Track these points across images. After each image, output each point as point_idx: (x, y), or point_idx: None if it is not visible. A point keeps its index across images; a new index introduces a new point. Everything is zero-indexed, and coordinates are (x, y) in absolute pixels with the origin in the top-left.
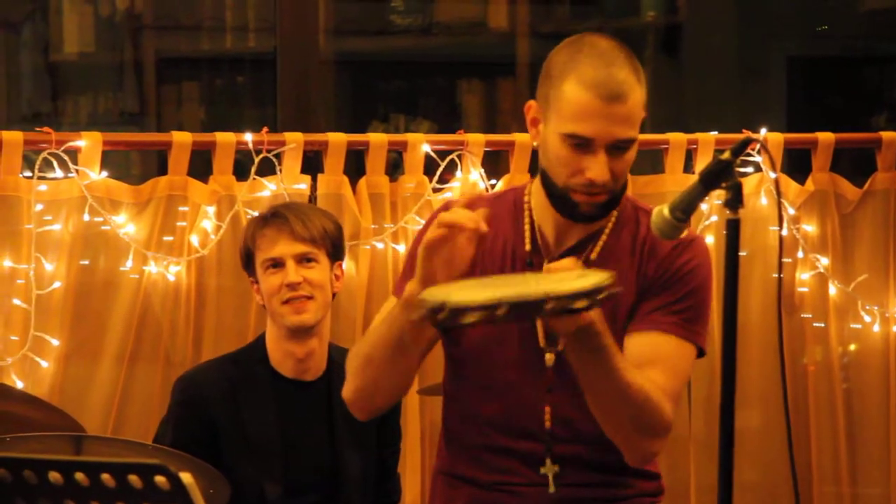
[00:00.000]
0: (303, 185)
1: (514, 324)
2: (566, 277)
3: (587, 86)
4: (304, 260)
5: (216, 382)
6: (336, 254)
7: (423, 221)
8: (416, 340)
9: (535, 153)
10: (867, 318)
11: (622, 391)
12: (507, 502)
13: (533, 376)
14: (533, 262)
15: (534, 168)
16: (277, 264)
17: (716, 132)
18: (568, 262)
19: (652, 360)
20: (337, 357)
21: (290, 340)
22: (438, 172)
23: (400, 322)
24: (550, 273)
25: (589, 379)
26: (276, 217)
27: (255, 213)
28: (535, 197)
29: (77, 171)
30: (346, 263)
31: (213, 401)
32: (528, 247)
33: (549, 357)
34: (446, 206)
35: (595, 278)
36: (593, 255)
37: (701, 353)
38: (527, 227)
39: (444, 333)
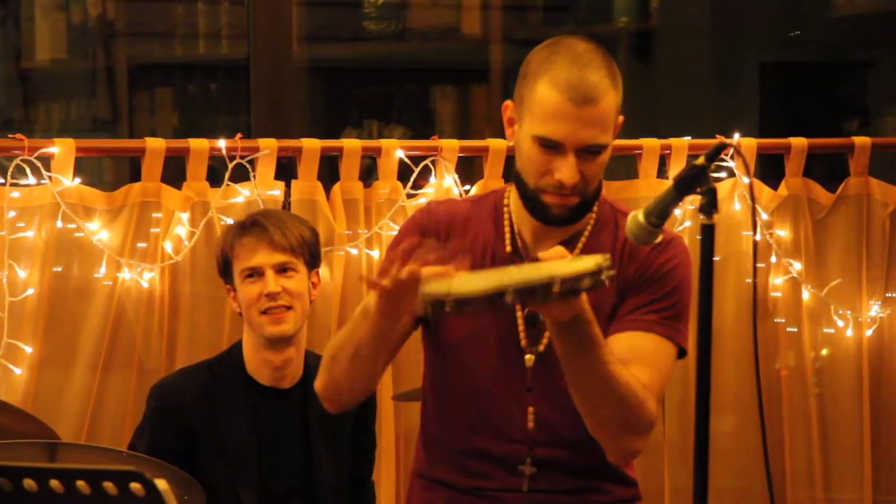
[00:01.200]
0: (276, 191)
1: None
2: (562, 263)
3: (559, 88)
4: (283, 270)
5: (192, 390)
6: (313, 262)
7: (397, 227)
8: (375, 349)
9: (509, 159)
10: (840, 323)
11: (608, 384)
12: None
13: (512, 378)
14: (514, 264)
15: (507, 174)
16: (256, 273)
17: (689, 137)
18: (559, 249)
19: (634, 359)
20: (313, 363)
21: (268, 349)
22: (412, 178)
23: (360, 332)
24: (544, 261)
25: (577, 372)
26: (255, 226)
27: (230, 220)
28: (514, 200)
29: (50, 177)
30: (321, 269)
31: (188, 408)
32: (508, 248)
33: (529, 358)
34: (427, 208)
35: (594, 259)
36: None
37: (682, 352)
38: (507, 229)
39: (425, 334)
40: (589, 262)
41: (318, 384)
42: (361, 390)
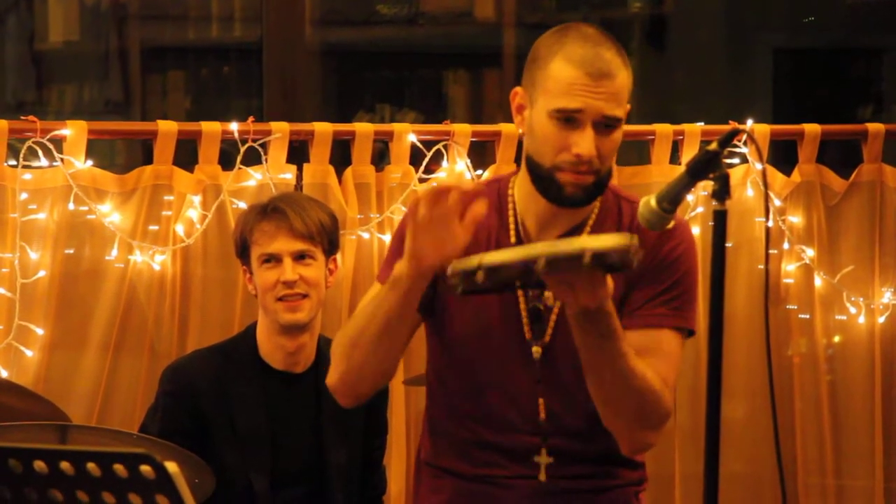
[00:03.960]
0: (288, 174)
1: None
2: (592, 237)
3: (575, 63)
4: (300, 257)
5: (205, 373)
6: (331, 249)
7: None
8: (403, 322)
9: (521, 144)
10: (852, 310)
11: (626, 377)
12: (493, 494)
13: (520, 371)
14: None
15: (520, 158)
16: (274, 259)
17: (702, 123)
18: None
19: (649, 356)
20: (325, 348)
21: (282, 335)
22: (424, 162)
23: (388, 304)
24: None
25: (596, 364)
26: (276, 212)
27: (241, 203)
28: (519, 189)
29: (62, 159)
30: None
31: (201, 391)
32: (512, 239)
33: (536, 350)
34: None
35: (624, 237)
36: None
37: (691, 333)
38: (511, 219)
39: (429, 328)
40: (619, 239)
41: (333, 377)
42: (382, 374)
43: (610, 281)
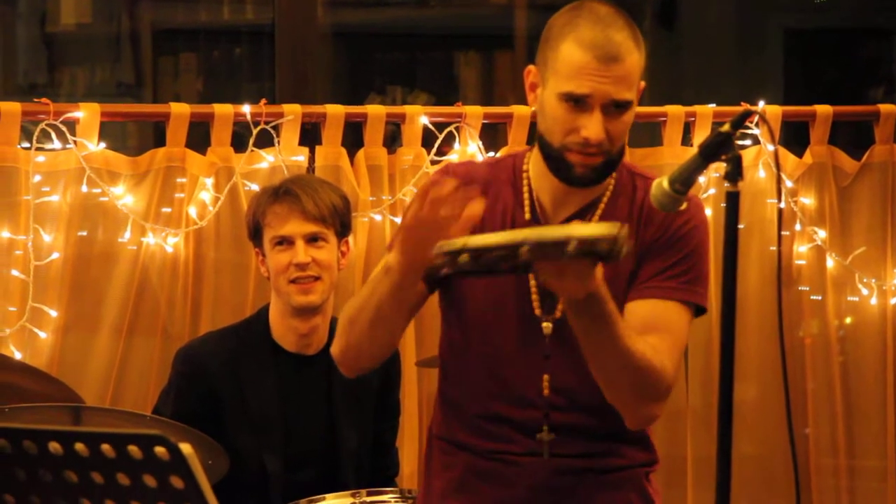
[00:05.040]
0: (301, 157)
1: (533, 266)
2: (581, 225)
3: (584, 46)
4: (313, 239)
5: (218, 354)
6: (344, 231)
7: None
8: (397, 309)
9: (533, 125)
10: (864, 291)
11: (624, 357)
12: (504, 471)
13: (530, 345)
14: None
15: (532, 140)
16: (286, 242)
17: (714, 105)
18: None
19: (655, 326)
20: None
21: (295, 317)
22: (436, 145)
23: (381, 291)
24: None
25: (592, 346)
26: (288, 194)
27: (254, 186)
28: (534, 166)
29: (75, 142)
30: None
31: (214, 373)
32: (527, 216)
33: (547, 326)
34: (445, 170)
35: (613, 226)
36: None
37: (701, 310)
38: (526, 195)
39: (443, 301)
40: (607, 228)
41: (336, 348)
42: (380, 352)
43: (599, 271)
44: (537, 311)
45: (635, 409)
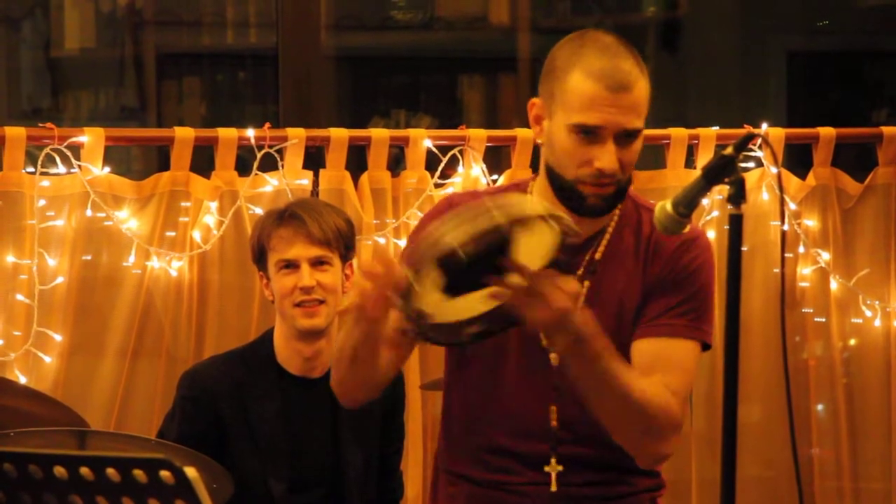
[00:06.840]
0: (305, 180)
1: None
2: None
3: (594, 77)
4: (318, 263)
5: (223, 378)
6: (348, 254)
7: None
8: (372, 355)
9: (537, 149)
10: (868, 313)
11: (623, 396)
12: (508, 500)
13: (537, 377)
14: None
15: (535, 164)
16: (291, 266)
17: (717, 127)
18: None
19: (663, 365)
20: None
21: (299, 340)
22: (440, 168)
23: (353, 336)
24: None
25: (588, 387)
26: (293, 218)
27: (258, 209)
28: (538, 195)
29: (80, 166)
30: None
31: (219, 396)
32: None
33: (554, 357)
34: (449, 200)
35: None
36: (598, 256)
37: (706, 346)
38: None
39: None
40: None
41: (332, 382)
42: (373, 387)
43: (579, 318)
44: (545, 343)
45: (642, 448)
